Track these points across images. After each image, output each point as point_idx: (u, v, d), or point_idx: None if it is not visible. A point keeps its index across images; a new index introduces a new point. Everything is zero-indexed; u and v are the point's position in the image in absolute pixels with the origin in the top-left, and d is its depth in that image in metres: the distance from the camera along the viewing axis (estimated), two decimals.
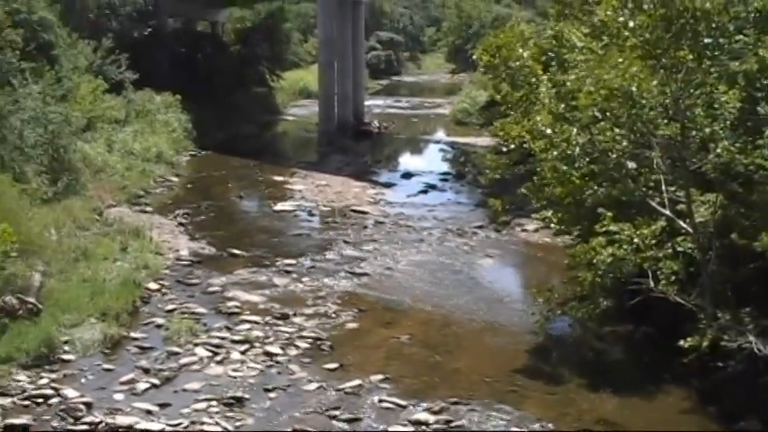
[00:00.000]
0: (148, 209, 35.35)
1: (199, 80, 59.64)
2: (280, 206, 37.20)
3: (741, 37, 18.31)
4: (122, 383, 18.66)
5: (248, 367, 19.81)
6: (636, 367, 20.14)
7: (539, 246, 30.63)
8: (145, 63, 52.24)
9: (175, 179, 42.72)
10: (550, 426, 17.25)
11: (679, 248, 19.14)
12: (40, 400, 17.66)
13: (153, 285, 25.09)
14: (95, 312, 21.91)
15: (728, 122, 18.12)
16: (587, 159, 19.86)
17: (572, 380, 19.51)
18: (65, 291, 22.76)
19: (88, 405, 17.41)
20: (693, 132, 18.54)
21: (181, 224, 33.29)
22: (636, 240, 18.75)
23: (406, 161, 53.02)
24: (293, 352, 20.81)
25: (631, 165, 19.52)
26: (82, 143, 37.21)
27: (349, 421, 17.30)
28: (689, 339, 17.24)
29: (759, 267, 17.90)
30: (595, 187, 20.33)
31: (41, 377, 18.71)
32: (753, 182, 17.92)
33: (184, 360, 20.08)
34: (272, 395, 18.43)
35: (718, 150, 18.00)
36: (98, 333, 20.93)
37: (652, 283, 18.55)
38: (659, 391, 18.67)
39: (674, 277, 18.63)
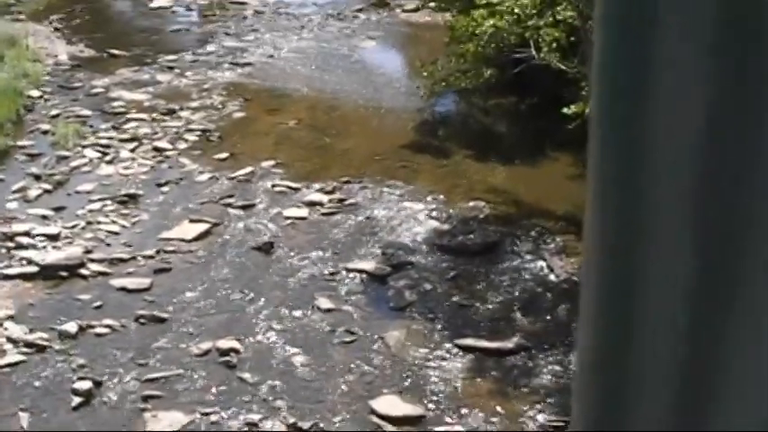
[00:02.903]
0: (21, 17, 34.19)
1: None
2: (156, 2, 36.24)
3: None
4: (14, 192, 18.53)
5: (139, 164, 19.76)
6: (523, 137, 20.53)
7: (420, 25, 30.45)
8: None
9: None
10: (442, 197, 17.65)
11: (559, 17, 19.28)
12: None
13: (35, 93, 24.53)
14: None
15: None
16: None
17: (460, 153, 19.85)
18: None
19: None
20: None
21: (56, 29, 32.35)
22: (517, 11, 18.84)
23: None
24: (182, 145, 20.76)
25: None
26: None
27: (243, 207, 17.49)
28: (572, 106, 17.54)
29: None
30: None
31: None
32: None
33: (74, 163, 19.94)
34: (164, 189, 18.49)
35: None
36: None
37: (534, 52, 18.75)
38: (546, 159, 19.12)
39: (555, 45, 18.83)
